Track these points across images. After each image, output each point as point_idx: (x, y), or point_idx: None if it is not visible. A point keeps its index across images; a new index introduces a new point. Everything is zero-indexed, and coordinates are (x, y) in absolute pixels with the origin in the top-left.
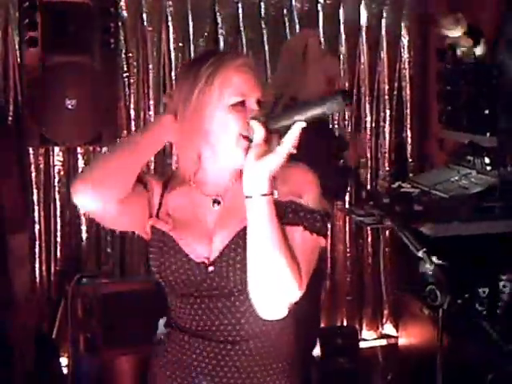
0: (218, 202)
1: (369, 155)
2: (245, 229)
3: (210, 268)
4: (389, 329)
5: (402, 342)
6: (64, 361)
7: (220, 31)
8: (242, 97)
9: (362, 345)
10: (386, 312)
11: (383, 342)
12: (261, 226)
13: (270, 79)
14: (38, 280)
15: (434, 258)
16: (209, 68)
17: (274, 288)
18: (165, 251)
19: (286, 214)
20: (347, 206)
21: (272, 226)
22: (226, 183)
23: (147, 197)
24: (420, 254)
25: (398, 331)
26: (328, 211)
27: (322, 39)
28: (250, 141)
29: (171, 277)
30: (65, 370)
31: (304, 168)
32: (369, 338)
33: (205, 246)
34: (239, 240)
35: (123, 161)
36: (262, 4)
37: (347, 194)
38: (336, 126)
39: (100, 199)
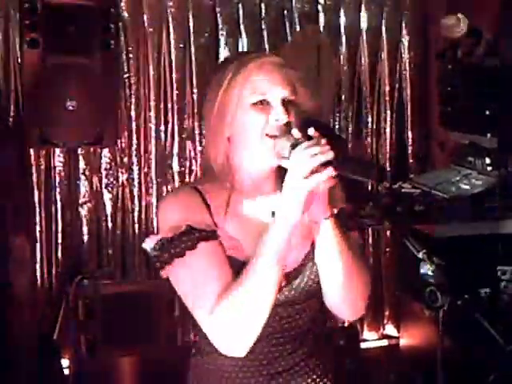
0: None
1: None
2: (313, 249)
3: (282, 283)
4: (390, 329)
5: (403, 342)
6: (65, 362)
7: (220, 32)
8: (261, 95)
9: (364, 345)
10: (387, 313)
11: (384, 342)
12: (329, 247)
13: None
14: (38, 281)
15: (435, 259)
16: (231, 70)
17: (353, 294)
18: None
19: (344, 219)
20: None
21: (339, 244)
22: (269, 187)
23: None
24: (420, 255)
25: (399, 332)
26: None
27: None
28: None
29: None
30: (66, 371)
31: None
32: (370, 339)
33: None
34: (311, 256)
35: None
36: (263, 5)
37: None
38: (337, 127)
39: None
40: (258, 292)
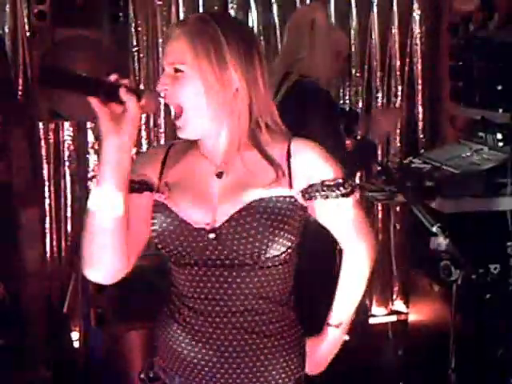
0: (221, 173)
1: None
2: (251, 203)
3: (211, 235)
4: (399, 305)
5: (411, 318)
6: (75, 335)
7: (230, 5)
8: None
9: (372, 321)
10: (396, 288)
11: (393, 318)
12: None
13: (278, 57)
14: (48, 255)
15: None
16: None
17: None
18: (163, 220)
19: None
20: (358, 181)
21: None
22: (224, 151)
23: (152, 194)
24: (434, 229)
25: (407, 307)
26: None
27: (333, 14)
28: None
29: (172, 245)
30: (76, 344)
31: (308, 143)
32: (379, 315)
33: (206, 213)
34: (245, 213)
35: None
36: None
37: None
38: (347, 102)
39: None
40: (92, 221)
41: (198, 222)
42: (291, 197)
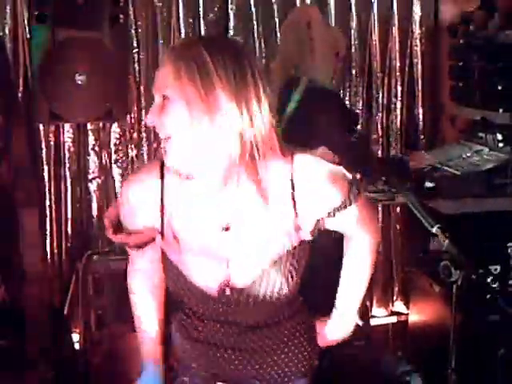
0: (227, 228)
1: (380, 132)
2: (270, 265)
3: (228, 292)
4: (399, 306)
5: (412, 319)
6: (75, 336)
7: (230, 6)
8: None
9: (373, 322)
10: (396, 289)
11: (393, 319)
12: None
13: (276, 57)
14: (48, 257)
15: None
16: None
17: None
18: (174, 280)
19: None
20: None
21: None
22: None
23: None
24: (434, 229)
25: (408, 308)
26: None
27: (333, 14)
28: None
29: (185, 297)
30: (76, 346)
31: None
32: (379, 316)
33: (219, 272)
34: (266, 277)
35: None
36: None
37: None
38: (347, 103)
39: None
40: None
41: (210, 287)
42: (301, 239)
